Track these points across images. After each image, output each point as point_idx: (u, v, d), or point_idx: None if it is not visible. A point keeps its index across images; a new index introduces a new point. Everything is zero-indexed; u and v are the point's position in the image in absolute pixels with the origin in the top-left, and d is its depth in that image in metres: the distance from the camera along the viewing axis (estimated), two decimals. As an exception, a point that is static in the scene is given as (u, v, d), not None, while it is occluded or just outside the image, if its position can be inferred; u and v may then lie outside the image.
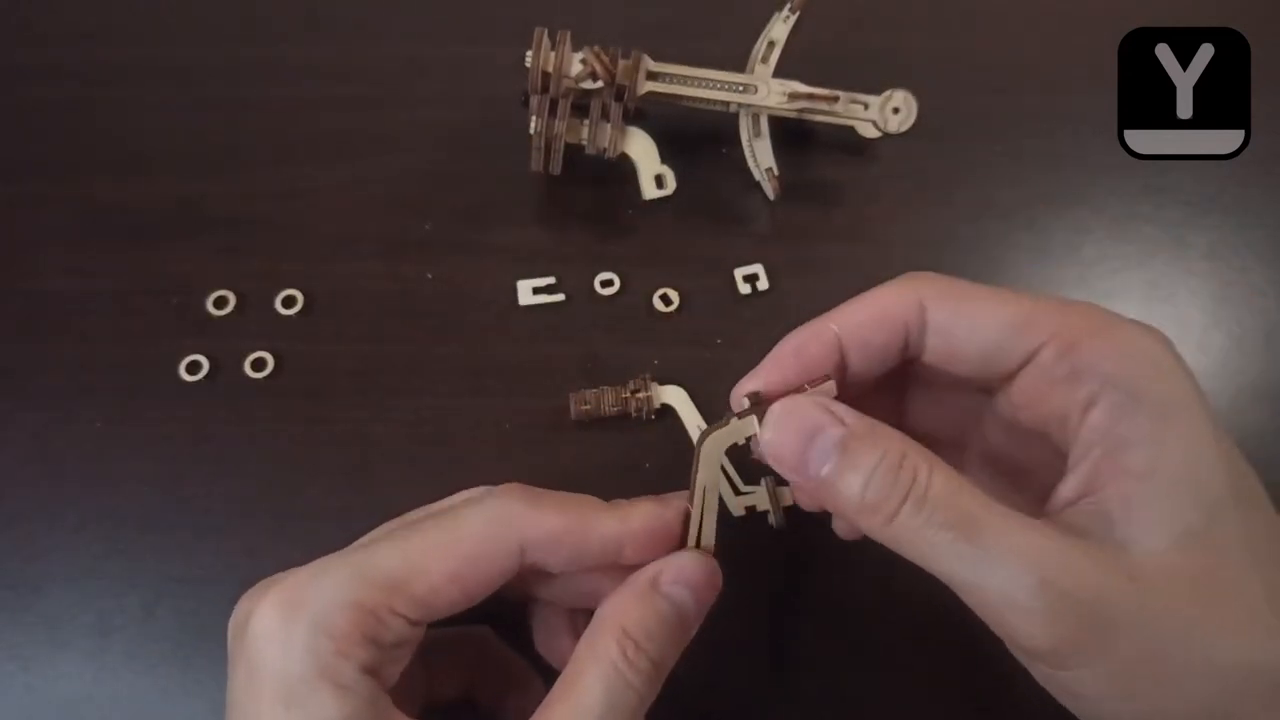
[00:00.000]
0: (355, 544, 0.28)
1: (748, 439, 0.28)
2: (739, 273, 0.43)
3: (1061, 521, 0.24)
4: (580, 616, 0.31)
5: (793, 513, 0.33)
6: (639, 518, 0.28)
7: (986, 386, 0.29)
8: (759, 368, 0.28)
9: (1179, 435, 0.23)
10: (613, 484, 0.30)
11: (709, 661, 0.28)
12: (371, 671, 0.24)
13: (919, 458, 0.24)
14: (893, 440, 0.25)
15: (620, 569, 0.28)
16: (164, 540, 0.37)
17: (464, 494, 0.30)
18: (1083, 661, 0.23)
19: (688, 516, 0.29)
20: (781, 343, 0.28)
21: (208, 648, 0.35)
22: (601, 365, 0.41)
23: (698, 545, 0.29)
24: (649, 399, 0.39)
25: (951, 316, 0.27)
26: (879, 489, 0.24)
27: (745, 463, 0.33)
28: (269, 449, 0.39)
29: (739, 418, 0.28)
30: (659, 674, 0.26)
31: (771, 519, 0.33)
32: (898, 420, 0.32)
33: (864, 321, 0.28)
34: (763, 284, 0.42)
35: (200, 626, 0.35)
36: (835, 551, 0.31)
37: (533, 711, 0.25)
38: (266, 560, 0.27)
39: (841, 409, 0.26)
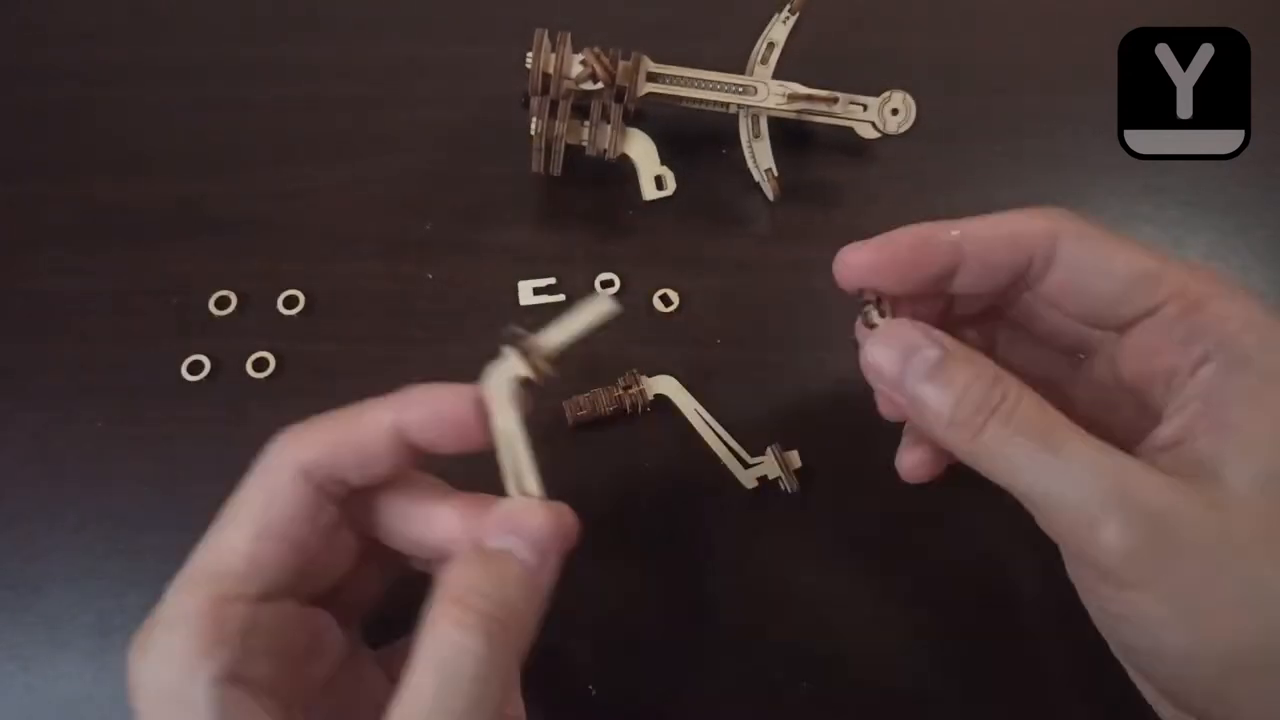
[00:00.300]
0: None
1: (528, 377, 0.27)
2: (738, 273, 0.43)
3: (1150, 462, 0.25)
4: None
5: (804, 475, 0.34)
6: (411, 391, 0.27)
7: (1086, 338, 0.29)
8: (872, 242, 0.28)
9: (1279, 397, 0.24)
10: (618, 478, 0.31)
11: (713, 660, 0.28)
12: (230, 678, 0.23)
13: (1010, 382, 0.25)
14: (987, 364, 0.26)
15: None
16: (164, 540, 0.37)
17: None
18: (1147, 580, 0.23)
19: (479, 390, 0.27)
20: (901, 232, 0.28)
21: (208, 648, 0.35)
22: (601, 365, 0.41)
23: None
24: (642, 392, 0.39)
25: (1086, 255, 0.27)
26: (970, 406, 0.25)
27: (750, 435, 0.33)
28: (269, 449, 0.39)
29: (864, 305, 0.28)
30: (504, 630, 0.24)
31: (784, 485, 0.33)
32: None
33: (993, 237, 0.27)
34: (763, 284, 0.42)
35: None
36: (835, 552, 0.31)
37: None
38: (267, 560, 0.27)
39: (939, 334, 0.26)
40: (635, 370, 0.39)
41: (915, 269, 0.28)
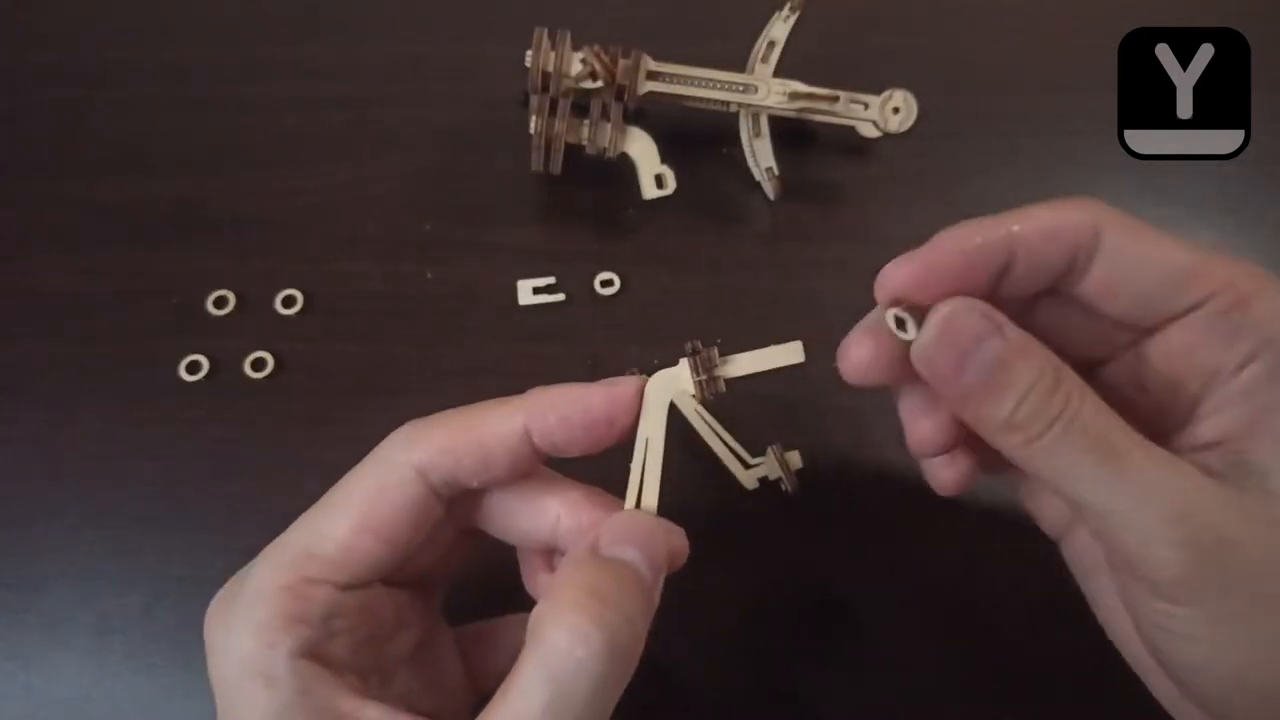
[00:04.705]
0: None
1: (706, 379, 0.26)
2: (738, 273, 0.42)
3: (1196, 462, 0.24)
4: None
5: (805, 475, 0.34)
6: (539, 391, 0.26)
7: (1128, 333, 0.27)
8: (918, 256, 0.26)
9: None
10: (619, 475, 0.30)
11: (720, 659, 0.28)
12: (309, 654, 0.24)
13: (1073, 382, 0.24)
14: (1049, 360, 0.24)
15: (573, 495, 0.27)
16: (164, 540, 0.37)
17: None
18: (1201, 598, 0.22)
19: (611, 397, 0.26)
20: (948, 234, 0.26)
21: (208, 648, 0.35)
22: (601, 365, 0.41)
23: (638, 507, 0.27)
24: (643, 393, 0.39)
25: (1127, 248, 0.25)
26: (1030, 410, 0.23)
27: (751, 434, 0.33)
28: (269, 449, 0.39)
29: (897, 318, 0.25)
30: (623, 648, 0.23)
31: (785, 486, 0.33)
32: None
33: (1037, 233, 0.25)
34: (763, 284, 0.42)
35: (200, 626, 0.35)
36: (835, 552, 0.31)
37: None
38: (266, 560, 0.27)
39: (1003, 319, 0.24)
40: (635, 370, 0.39)
41: (962, 280, 0.25)
